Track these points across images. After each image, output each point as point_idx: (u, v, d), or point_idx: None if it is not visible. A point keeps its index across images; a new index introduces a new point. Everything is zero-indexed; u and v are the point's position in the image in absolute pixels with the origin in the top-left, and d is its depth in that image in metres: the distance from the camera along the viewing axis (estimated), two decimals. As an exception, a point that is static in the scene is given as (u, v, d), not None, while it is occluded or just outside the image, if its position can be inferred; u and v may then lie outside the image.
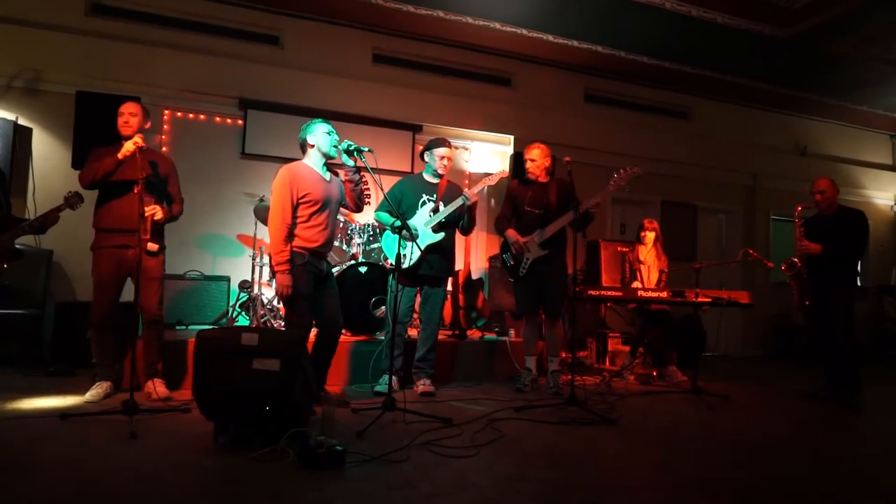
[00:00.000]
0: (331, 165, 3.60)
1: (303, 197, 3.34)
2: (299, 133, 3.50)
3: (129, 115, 3.54)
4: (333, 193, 3.52)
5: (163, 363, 3.68)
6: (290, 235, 3.33)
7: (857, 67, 6.98)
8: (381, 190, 3.45)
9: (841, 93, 7.88)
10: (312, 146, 3.46)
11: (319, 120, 3.52)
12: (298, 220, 3.36)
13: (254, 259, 5.20)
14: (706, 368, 5.82)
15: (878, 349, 8.11)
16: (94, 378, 3.56)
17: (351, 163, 3.42)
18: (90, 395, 3.44)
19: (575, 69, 7.27)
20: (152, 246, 3.49)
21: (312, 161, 3.48)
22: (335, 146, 3.45)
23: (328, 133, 3.45)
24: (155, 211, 3.44)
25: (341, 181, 3.58)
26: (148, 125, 3.68)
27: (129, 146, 3.33)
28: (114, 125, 3.59)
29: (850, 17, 5.85)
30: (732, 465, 2.72)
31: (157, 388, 3.52)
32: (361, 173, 3.60)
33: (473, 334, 5.25)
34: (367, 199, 6.23)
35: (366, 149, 3.35)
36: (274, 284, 3.38)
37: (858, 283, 4.47)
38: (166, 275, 4.91)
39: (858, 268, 4.50)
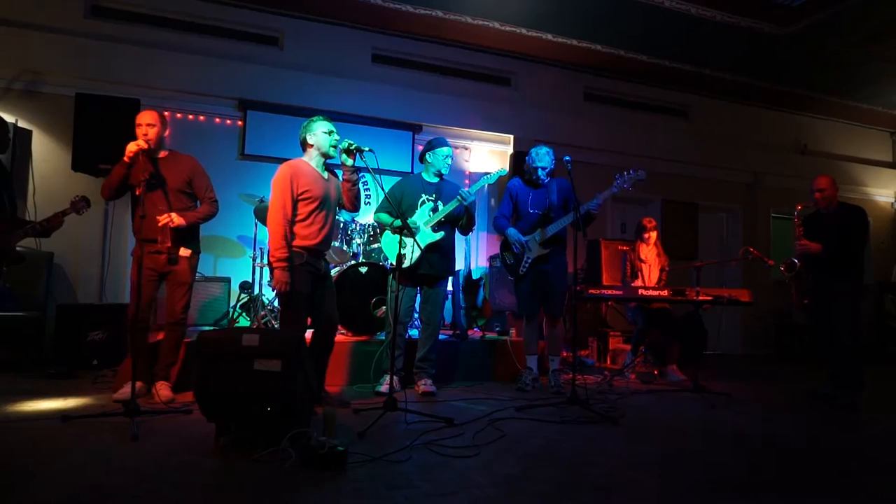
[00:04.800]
0: (330, 165, 3.59)
1: (302, 193, 3.33)
2: (300, 131, 3.49)
3: (146, 127, 3.43)
4: (332, 192, 3.52)
5: (179, 367, 3.66)
6: (291, 232, 3.31)
7: (856, 65, 6.98)
8: (382, 189, 3.45)
9: (841, 90, 7.88)
10: (311, 145, 3.46)
11: (320, 118, 3.48)
12: (298, 217, 3.34)
13: (254, 260, 5.21)
14: (707, 367, 5.82)
15: (881, 347, 8.11)
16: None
17: (350, 162, 3.41)
18: (117, 394, 3.42)
19: (574, 68, 7.27)
20: (185, 251, 3.47)
21: (312, 160, 3.47)
22: (333, 146, 3.44)
23: (327, 132, 3.44)
24: (169, 219, 3.36)
25: (340, 181, 3.58)
26: (168, 132, 3.63)
27: (131, 147, 3.28)
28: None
29: (850, 15, 5.85)
30: (734, 464, 2.72)
31: (161, 391, 3.49)
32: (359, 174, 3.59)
33: (474, 334, 5.25)
34: (367, 201, 6.24)
35: (366, 148, 3.35)
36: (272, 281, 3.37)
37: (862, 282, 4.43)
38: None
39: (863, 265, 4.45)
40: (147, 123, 3.45)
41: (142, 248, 3.27)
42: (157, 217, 3.31)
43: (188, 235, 3.55)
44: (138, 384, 3.46)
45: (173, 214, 3.40)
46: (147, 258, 3.37)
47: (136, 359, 3.42)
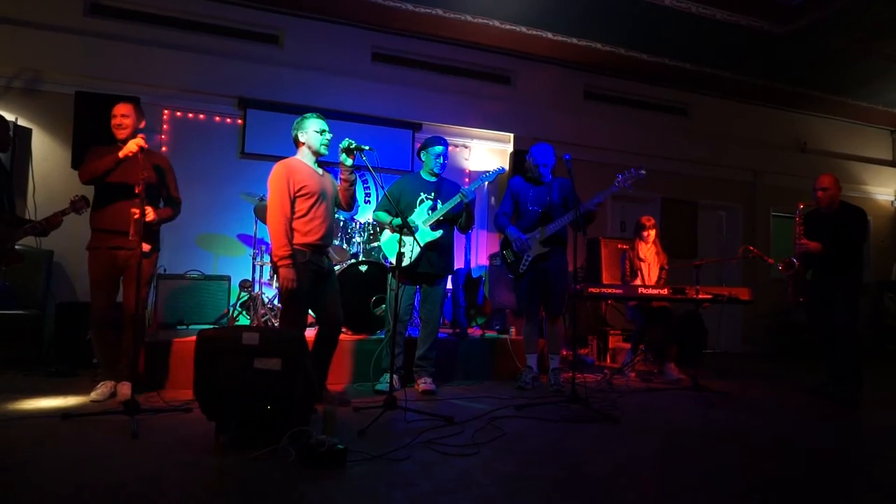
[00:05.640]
0: (324, 163, 3.58)
1: (299, 190, 3.32)
2: (292, 128, 3.46)
3: (121, 118, 3.50)
4: (328, 187, 3.50)
5: (143, 362, 3.66)
6: (291, 229, 3.31)
7: (856, 63, 6.98)
8: (382, 188, 3.45)
9: (841, 89, 7.88)
10: (303, 143, 3.44)
11: (312, 116, 3.44)
12: (297, 214, 3.33)
13: (254, 258, 5.21)
14: (707, 366, 5.82)
15: (879, 344, 8.13)
16: (95, 378, 3.56)
17: (349, 161, 3.39)
18: (95, 394, 3.44)
19: (574, 67, 7.27)
20: (145, 246, 3.47)
21: (305, 157, 3.45)
22: (325, 144, 3.44)
23: (318, 132, 3.41)
24: (145, 213, 3.37)
25: (338, 178, 3.57)
26: (142, 124, 3.64)
27: (131, 146, 3.29)
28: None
29: (850, 13, 5.85)
30: (734, 463, 2.72)
31: (121, 390, 3.48)
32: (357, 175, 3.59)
33: (474, 332, 5.25)
34: (367, 199, 6.24)
35: (366, 147, 3.34)
36: (276, 282, 3.35)
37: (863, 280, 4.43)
38: (167, 274, 4.94)
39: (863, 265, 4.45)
40: (122, 115, 3.50)
41: (140, 241, 3.27)
42: (133, 210, 3.24)
43: (150, 232, 3.54)
44: (111, 383, 3.52)
45: (148, 209, 3.40)
46: (110, 253, 3.43)
47: (104, 359, 3.45)
